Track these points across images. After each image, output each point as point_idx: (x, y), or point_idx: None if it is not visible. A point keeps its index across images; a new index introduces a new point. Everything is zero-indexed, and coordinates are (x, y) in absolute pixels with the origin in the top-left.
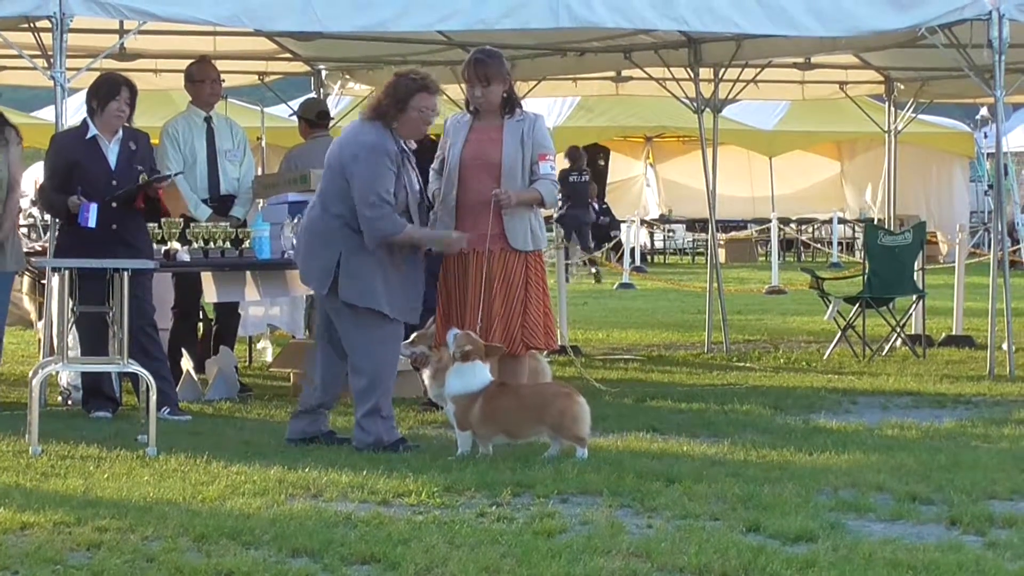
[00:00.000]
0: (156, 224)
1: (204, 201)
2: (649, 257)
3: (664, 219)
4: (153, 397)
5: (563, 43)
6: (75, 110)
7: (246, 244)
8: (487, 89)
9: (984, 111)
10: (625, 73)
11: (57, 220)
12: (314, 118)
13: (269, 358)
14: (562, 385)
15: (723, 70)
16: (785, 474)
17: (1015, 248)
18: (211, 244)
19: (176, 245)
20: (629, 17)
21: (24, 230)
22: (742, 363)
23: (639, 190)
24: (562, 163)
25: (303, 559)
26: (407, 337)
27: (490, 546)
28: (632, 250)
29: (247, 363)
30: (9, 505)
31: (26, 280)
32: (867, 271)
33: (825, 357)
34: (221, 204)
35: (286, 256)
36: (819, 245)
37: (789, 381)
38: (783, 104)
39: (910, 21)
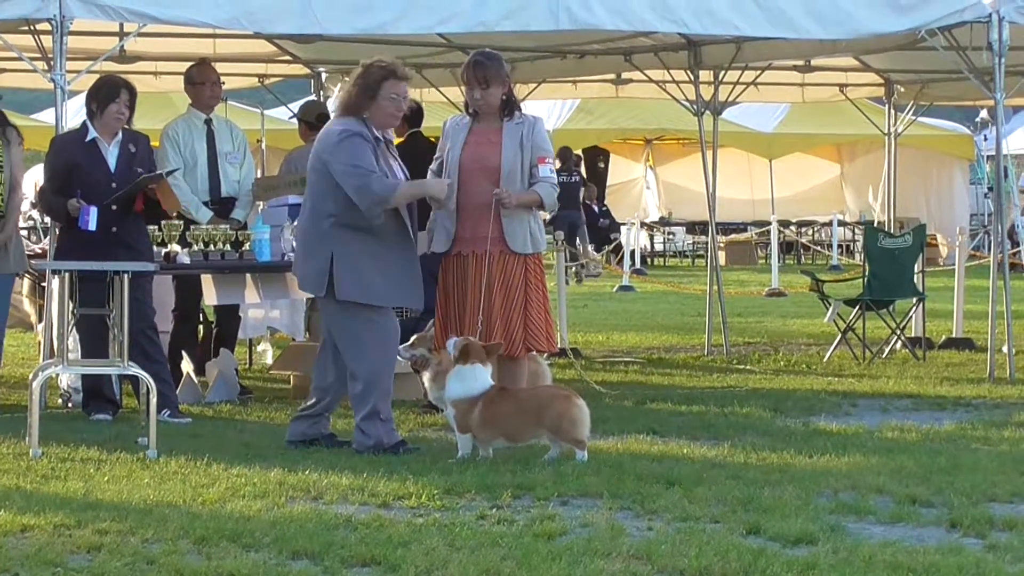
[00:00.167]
0: (156, 226)
1: (205, 203)
2: (649, 260)
3: (664, 221)
4: (153, 399)
5: (563, 45)
6: (75, 112)
7: (246, 247)
8: (486, 91)
9: (984, 113)
10: (625, 75)
11: (57, 223)
12: (314, 120)
13: (269, 360)
14: (561, 388)
15: (723, 72)
16: (785, 476)
17: (1015, 251)
18: (211, 246)
19: (176, 247)
20: (629, 19)
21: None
22: (742, 365)
23: (639, 192)
24: None
25: (303, 561)
26: (407, 339)
27: (490, 548)
28: (632, 252)
29: (247, 365)
30: (9, 507)
31: (26, 282)
32: (867, 274)
33: (825, 359)
34: (222, 206)
35: (286, 259)
36: (819, 247)
37: (789, 383)
38: (783, 107)
39: (910, 23)
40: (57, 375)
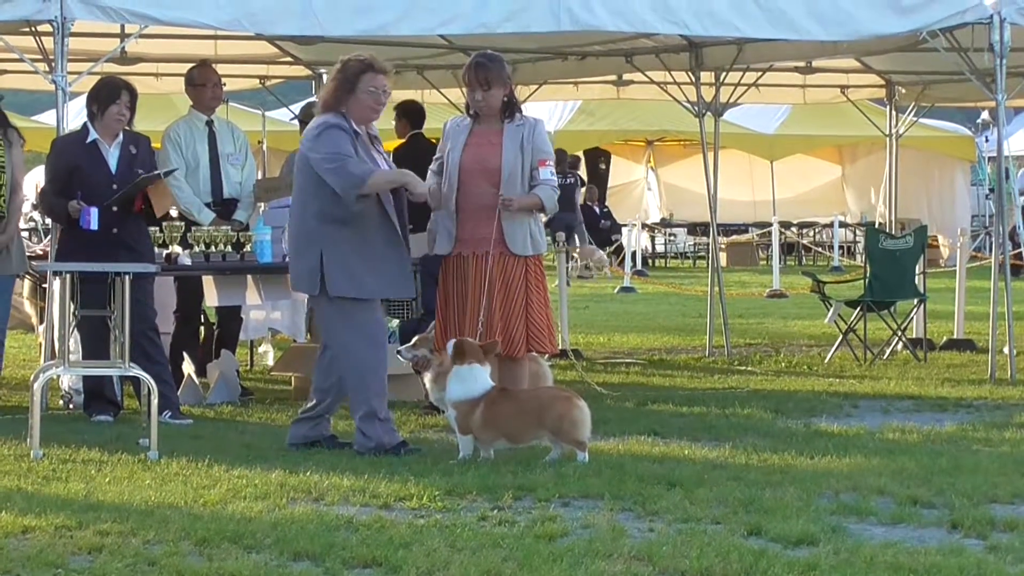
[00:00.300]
0: (158, 228)
1: (207, 205)
2: (650, 261)
3: (665, 223)
4: (155, 401)
5: (564, 47)
6: (76, 114)
7: (247, 248)
8: (487, 93)
9: (985, 115)
10: (626, 77)
11: (58, 224)
12: None
13: (270, 362)
14: (562, 389)
15: (724, 74)
16: (786, 478)
17: (1016, 252)
18: (212, 248)
19: (177, 249)
20: (630, 21)
21: (25, 234)
22: (743, 367)
23: (640, 194)
24: None
25: (304, 563)
26: (409, 340)
27: (491, 550)
28: (633, 254)
29: (248, 367)
30: (11, 509)
31: (27, 284)
32: (868, 275)
33: (826, 361)
34: (224, 208)
35: (287, 260)
36: (820, 249)
37: (790, 385)
38: (784, 108)
39: (911, 25)
40: (58, 376)
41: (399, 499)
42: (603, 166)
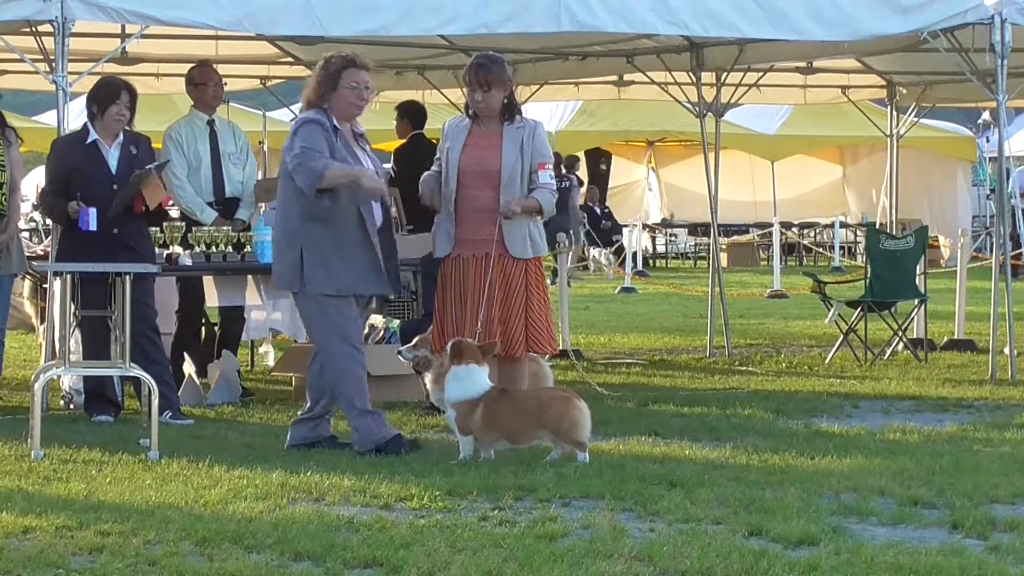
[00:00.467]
0: (158, 228)
1: (209, 204)
2: (651, 261)
3: (666, 223)
4: (155, 401)
5: (565, 47)
6: (77, 114)
7: (248, 248)
8: (487, 94)
9: (986, 115)
10: (627, 77)
11: (59, 224)
12: None
13: (271, 362)
14: (562, 390)
15: (725, 74)
16: (787, 478)
17: (1017, 252)
18: (213, 248)
19: (178, 249)
20: (631, 21)
21: (26, 234)
22: (744, 367)
23: (641, 194)
24: None
25: (305, 563)
26: (410, 340)
27: (492, 550)
28: (634, 254)
29: (249, 367)
30: (11, 509)
31: (27, 284)
32: (869, 275)
33: (827, 361)
34: (226, 207)
35: None
36: (821, 249)
37: (791, 385)
38: (785, 108)
39: (912, 25)
40: (59, 377)
41: (400, 499)
42: (604, 167)
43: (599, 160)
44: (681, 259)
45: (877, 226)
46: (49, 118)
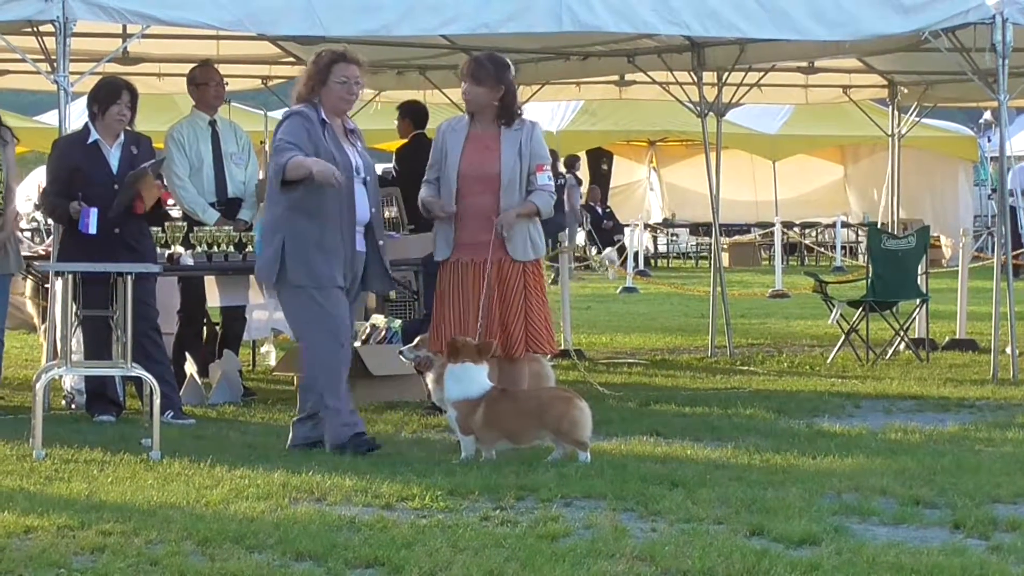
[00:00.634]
0: (160, 228)
1: (211, 205)
2: (653, 261)
3: (667, 223)
4: (157, 401)
5: (566, 47)
6: (78, 114)
7: (249, 248)
8: (473, 88)
9: (988, 115)
10: (628, 77)
11: (60, 224)
12: None
13: (272, 362)
14: (563, 389)
15: (726, 74)
16: (789, 478)
17: (1018, 252)
18: (215, 248)
19: (179, 249)
20: (632, 22)
21: (28, 234)
22: (746, 367)
23: (642, 194)
24: None
25: (307, 563)
26: (412, 340)
27: (494, 550)
28: (636, 254)
29: (250, 367)
30: (13, 509)
31: (29, 284)
32: (871, 275)
33: (829, 361)
34: (228, 207)
35: None
36: (822, 249)
37: (792, 385)
38: (787, 108)
39: (913, 25)
40: (61, 376)
41: (401, 499)
42: (605, 166)
43: (600, 160)
44: (683, 259)
45: (879, 226)
46: (51, 118)
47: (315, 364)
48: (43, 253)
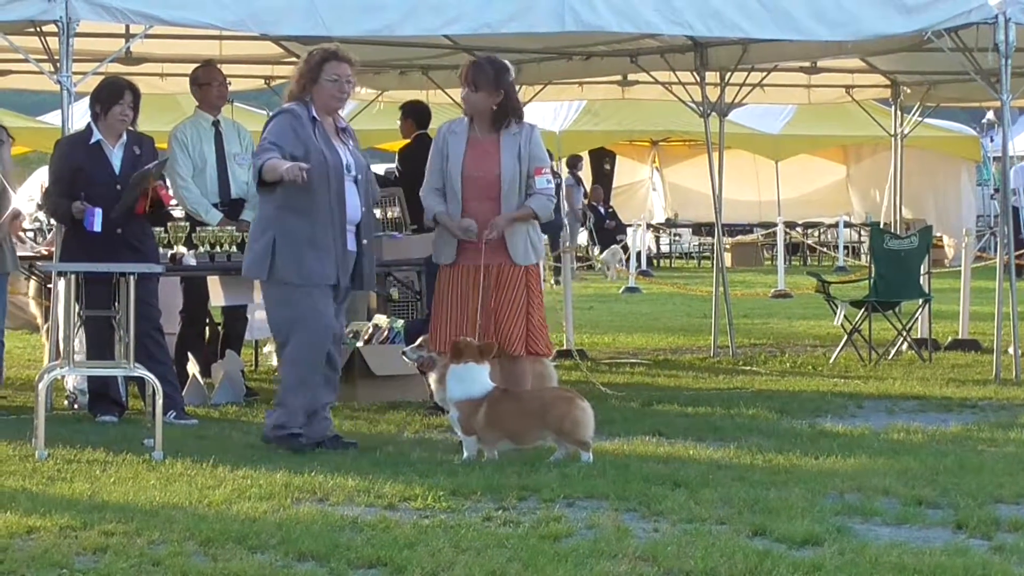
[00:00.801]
0: (162, 228)
1: (214, 205)
2: (655, 261)
3: (670, 223)
4: (159, 401)
5: (569, 47)
6: (81, 114)
7: None
8: (473, 94)
9: (990, 115)
10: (631, 77)
11: (62, 225)
12: None
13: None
14: (565, 390)
15: (729, 74)
16: (791, 478)
17: (1021, 252)
18: (217, 248)
19: (182, 249)
20: (634, 22)
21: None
22: (748, 367)
23: (645, 194)
24: None
25: (309, 563)
26: (414, 341)
27: (496, 550)
28: (638, 254)
29: (253, 367)
30: (16, 509)
31: (32, 284)
32: (873, 275)
33: (831, 361)
34: (231, 208)
35: None
36: (825, 249)
37: (795, 385)
38: (789, 108)
39: (916, 25)
40: (63, 377)
41: (404, 499)
42: (608, 166)
43: (603, 160)
44: (685, 259)
45: (881, 226)
46: (54, 118)
47: (296, 363)
48: (46, 253)
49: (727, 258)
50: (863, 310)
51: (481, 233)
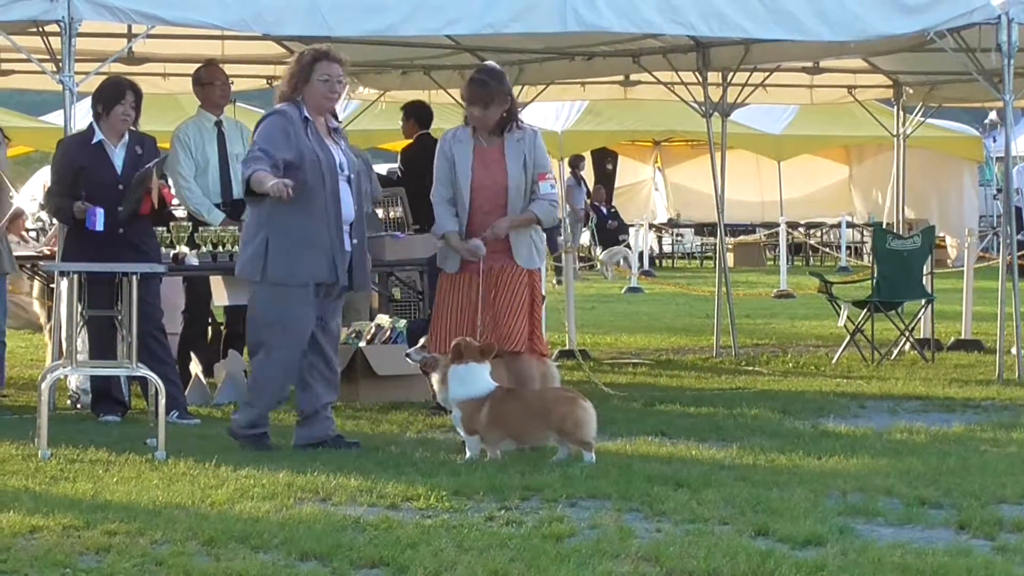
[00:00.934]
0: (165, 228)
1: (217, 206)
2: (657, 261)
3: (672, 223)
4: (162, 401)
5: (571, 47)
6: (84, 114)
7: None
8: (486, 111)
9: (993, 115)
10: (633, 77)
11: (64, 225)
12: None
13: None
14: (567, 390)
15: (731, 74)
16: (794, 478)
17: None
18: (220, 248)
19: (184, 249)
20: (636, 22)
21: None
22: (750, 367)
23: (647, 194)
24: None
25: (312, 563)
26: (416, 341)
27: (499, 550)
28: (640, 254)
29: None
30: (19, 509)
31: (36, 284)
32: (876, 275)
33: (834, 361)
34: (234, 208)
35: None
36: (827, 249)
37: (798, 385)
38: (792, 108)
39: (918, 25)
40: (66, 376)
41: (406, 499)
42: (610, 166)
43: (605, 160)
44: (687, 259)
45: (884, 226)
46: (56, 118)
47: (277, 365)
48: (48, 253)
49: (729, 258)
50: (866, 310)
51: (480, 236)
